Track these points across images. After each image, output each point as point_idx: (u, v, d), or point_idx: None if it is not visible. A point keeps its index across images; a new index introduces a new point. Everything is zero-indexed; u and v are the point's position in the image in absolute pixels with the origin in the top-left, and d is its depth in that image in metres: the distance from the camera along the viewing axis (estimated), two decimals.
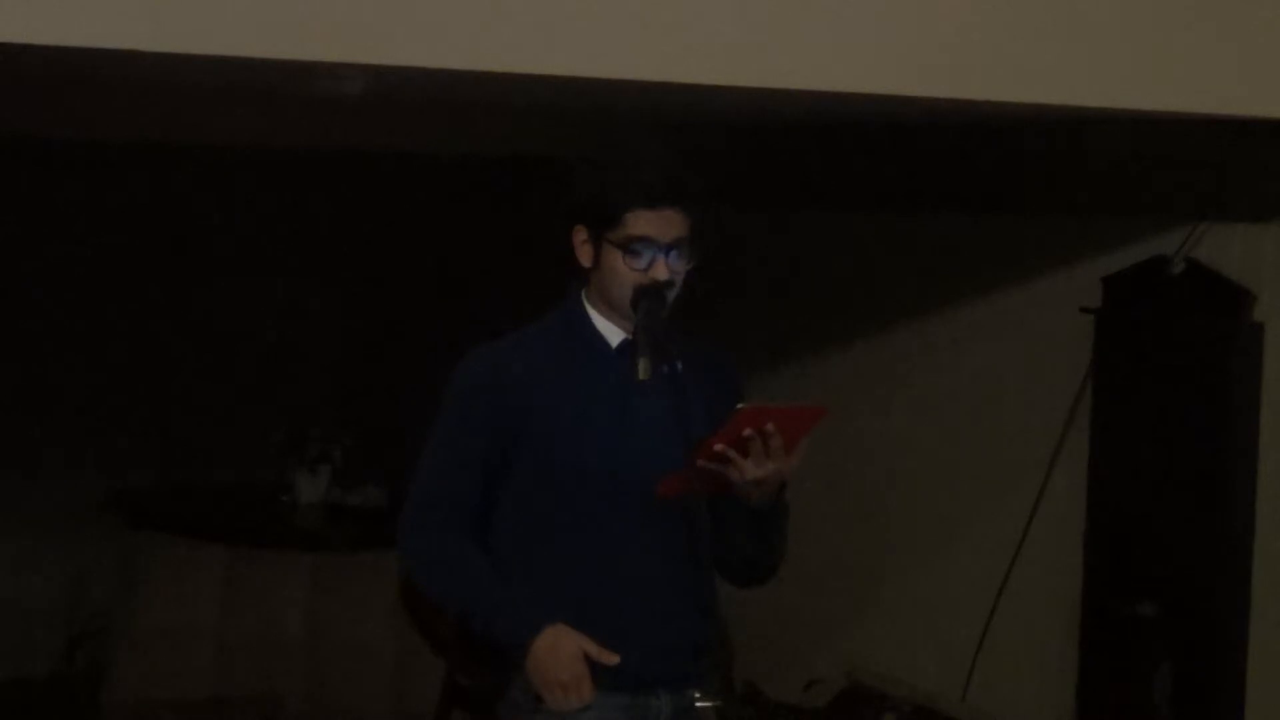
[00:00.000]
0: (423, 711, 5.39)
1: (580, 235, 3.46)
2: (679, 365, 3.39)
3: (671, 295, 3.43)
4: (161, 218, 7.39)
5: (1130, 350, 5.34)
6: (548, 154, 6.69)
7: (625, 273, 3.41)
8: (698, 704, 3.48)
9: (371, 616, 6.47)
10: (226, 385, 7.55)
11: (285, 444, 6.96)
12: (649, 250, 3.40)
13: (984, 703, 5.86)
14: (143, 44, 3.62)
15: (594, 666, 3.41)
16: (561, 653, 3.39)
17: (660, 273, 3.40)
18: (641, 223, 3.39)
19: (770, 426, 3.31)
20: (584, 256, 3.47)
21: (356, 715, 6.49)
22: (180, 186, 7.29)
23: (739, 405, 3.33)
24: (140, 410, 7.44)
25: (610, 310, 3.48)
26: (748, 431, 3.30)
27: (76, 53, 3.67)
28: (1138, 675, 5.21)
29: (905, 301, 6.27)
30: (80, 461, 7.30)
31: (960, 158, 5.90)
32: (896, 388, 6.29)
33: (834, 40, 4.29)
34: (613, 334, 3.50)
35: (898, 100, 4.52)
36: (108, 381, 7.39)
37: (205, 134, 6.31)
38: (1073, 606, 5.46)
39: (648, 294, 3.38)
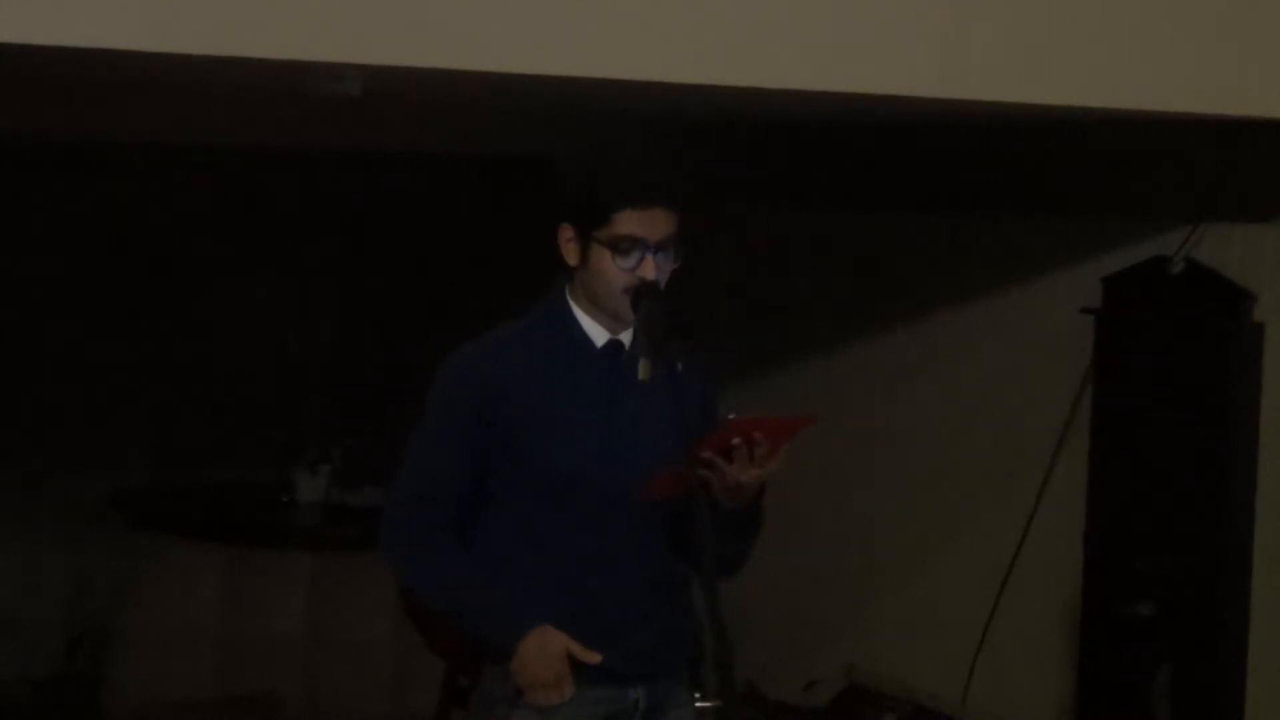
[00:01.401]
0: (423, 711, 5.38)
1: (566, 234, 3.47)
2: (679, 366, 3.39)
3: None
4: (161, 218, 7.38)
5: (1130, 350, 5.34)
6: (547, 154, 6.70)
7: (613, 272, 3.41)
8: (698, 704, 3.49)
9: (371, 616, 6.46)
10: (226, 386, 7.54)
11: (285, 444, 6.96)
12: (637, 249, 3.40)
13: (984, 703, 5.86)
14: (143, 44, 3.62)
15: (574, 662, 3.44)
16: (547, 654, 3.43)
17: (648, 271, 3.40)
18: (630, 222, 3.40)
19: (757, 435, 3.31)
20: (570, 255, 3.47)
21: (356, 715, 6.48)
22: (180, 186, 7.29)
23: (729, 416, 3.33)
24: (141, 411, 7.44)
25: (596, 309, 3.48)
26: (735, 440, 3.31)
27: (76, 53, 3.67)
28: (1138, 675, 5.21)
29: (905, 301, 6.27)
30: (81, 462, 7.30)
31: (960, 158, 5.90)
32: (896, 388, 6.29)
33: (834, 40, 4.29)
34: (598, 334, 3.50)
35: (898, 100, 4.52)
36: (108, 382, 7.38)
37: (205, 134, 6.31)
38: (1073, 606, 5.46)
39: (648, 294, 3.39)
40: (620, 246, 3.40)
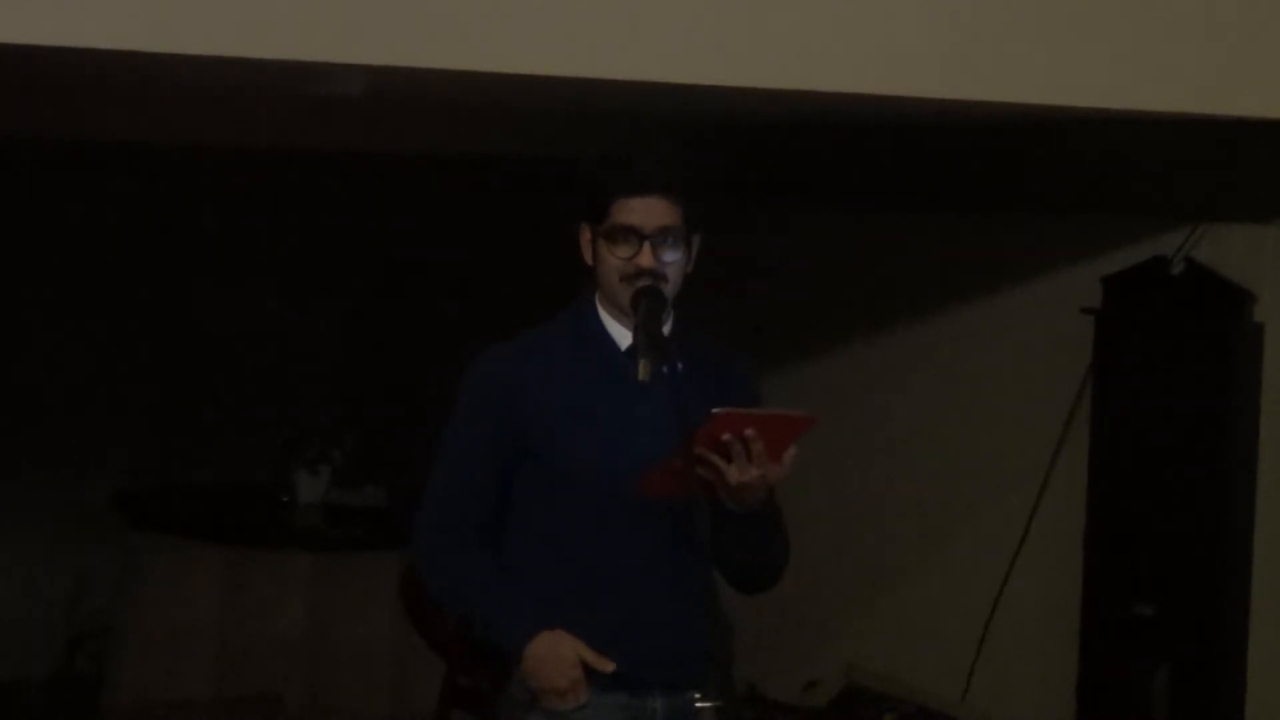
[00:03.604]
0: (423, 711, 5.39)
1: (584, 235, 3.47)
2: (679, 366, 3.38)
3: (668, 289, 3.42)
4: (161, 218, 7.39)
5: (1130, 350, 5.34)
6: (548, 154, 6.69)
7: (612, 262, 3.40)
8: (698, 704, 3.47)
9: (371, 616, 6.47)
10: (227, 386, 7.55)
11: (285, 444, 6.97)
12: (633, 239, 3.39)
13: (984, 703, 5.86)
14: (143, 44, 3.62)
15: (590, 668, 3.42)
16: (557, 659, 3.41)
17: (645, 260, 3.38)
18: (625, 211, 3.39)
19: (750, 432, 3.30)
20: (587, 254, 3.47)
21: (356, 715, 6.49)
22: (180, 187, 7.29)
23: (714, 410, 3.30)
24: (141, 411, 7.44)
25: (618, 310, 3.47)
26: (726, 436, 3.29)
27: (76, 53, 3.67)
28: (1137, 675, 5.21)
29: (905, 301, 6.27)
30: (81, 463, 7.30)
31: (960, 158, 5.90)
32: (896, 388, 6.29)
33: (834, 40, 4.29)
34: (621, 335, 3.48)
35: (898, 100, 4.52)
36: (108, 382, 7.38)
37: (205, 134, 6.31)
38: (1072, 607, 5.46)
39: (647, 294, 3.37)
40: (616, 236, 3.40)
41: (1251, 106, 4.77)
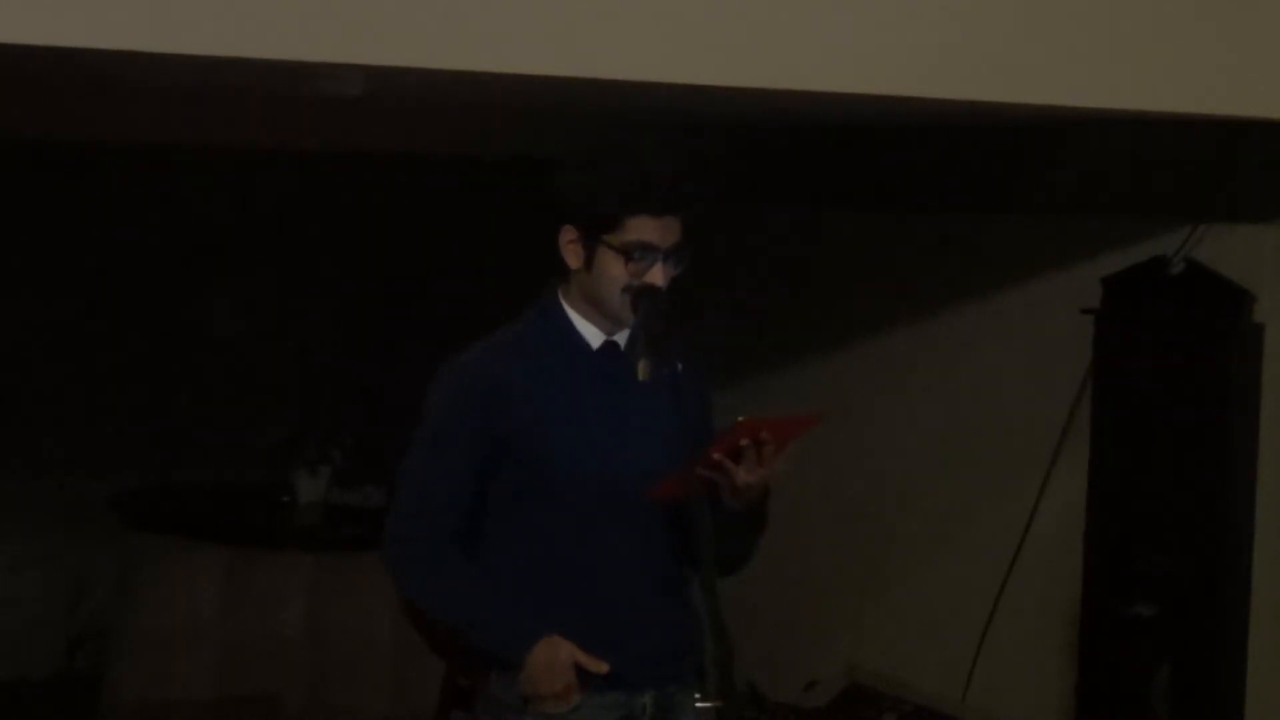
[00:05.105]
0: (423, 711, 5.38)
1: (569, 235, 3.44)
2: (679, 366, 3.39)
3: None
4: (161, 218, 7.38)
5: (1130, 350, 5.34)
6: (548, 154, 6.69)
7: (622, 277, 3.39)
8: (698, 704, 3.48)
9: (371, 616, 6.46)
10: (226, 385, 7.54)
11: (285, 444, 6.96)
12: (649, 256, 3.39)
13: (984, 703, 5.86)
14: (143, 44, 3.63)
15: (582, 669, 3.42)
16: (556, 664, 3.41)
17: (657, 277, 3.39)
18: (644, 229, 3.38)
19: (765, 435, 3.31)
20: (571, 256, 3.44)
21: (356, 715, 6.48)
22: (180, 186, 7.29)
23: (739, 418, 3.32)
24: (141, 410, 7.44)
25: (593, 311, 3.46)
26: (744, 442, 3.31)
27: (76, 53, 3.67)
28: (1137, 675, 5.21)
29: (905, 302, 6.27)
30: (80, 462, 7.30)
31: (960, 158, 5.90)
32: (896, 388, 6.29)
33: (834, 40, 4.29)
34: (594, 335, 3.49)
35: (898, 100, 4.52)
36: (108, 382, 7.38)
37: (205, 134, 6.32)
38: (1073, 606, 5.46)
39: (648, 295, 3.38)
40: (633, 252, 3.38)
41: (1251, 106, 4.77)
